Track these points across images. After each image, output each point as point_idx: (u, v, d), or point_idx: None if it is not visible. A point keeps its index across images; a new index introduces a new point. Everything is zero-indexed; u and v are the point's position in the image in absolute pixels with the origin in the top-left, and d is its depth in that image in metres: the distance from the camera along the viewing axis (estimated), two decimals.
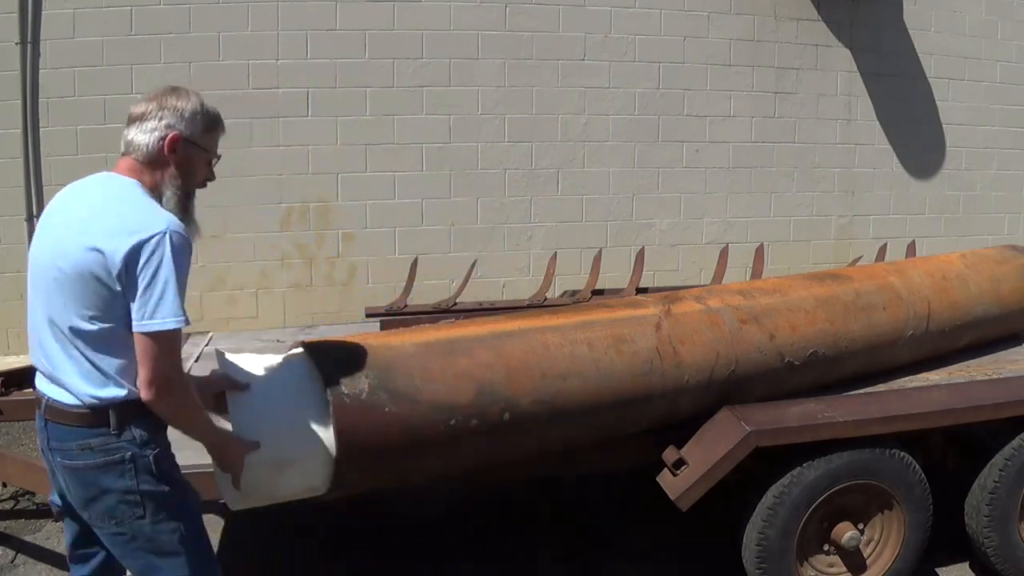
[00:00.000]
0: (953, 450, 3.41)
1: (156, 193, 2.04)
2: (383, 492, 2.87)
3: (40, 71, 5.40)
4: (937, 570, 3.49)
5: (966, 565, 3.55)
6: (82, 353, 1.96)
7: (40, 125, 5.45)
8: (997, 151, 6.96)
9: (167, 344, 1.91)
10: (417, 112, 5.81)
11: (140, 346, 1.90)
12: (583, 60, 6.01)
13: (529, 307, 4.38)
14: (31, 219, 5.47)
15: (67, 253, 1.94)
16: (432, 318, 4.03)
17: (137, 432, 2.00)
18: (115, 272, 1.88)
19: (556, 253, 5.24)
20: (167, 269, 1.88)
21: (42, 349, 2.06)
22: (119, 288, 1.89)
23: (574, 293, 5.02)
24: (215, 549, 3.66)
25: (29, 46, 5.34)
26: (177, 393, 1.96)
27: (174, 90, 2.10)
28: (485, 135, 5.93)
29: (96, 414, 1.98)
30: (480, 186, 5.97)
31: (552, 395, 2.69)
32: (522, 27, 5.88)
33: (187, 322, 1.93)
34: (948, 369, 3.75)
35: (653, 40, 6.10)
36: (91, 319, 1.93)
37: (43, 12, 5.35)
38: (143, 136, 2.03)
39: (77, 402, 1.99)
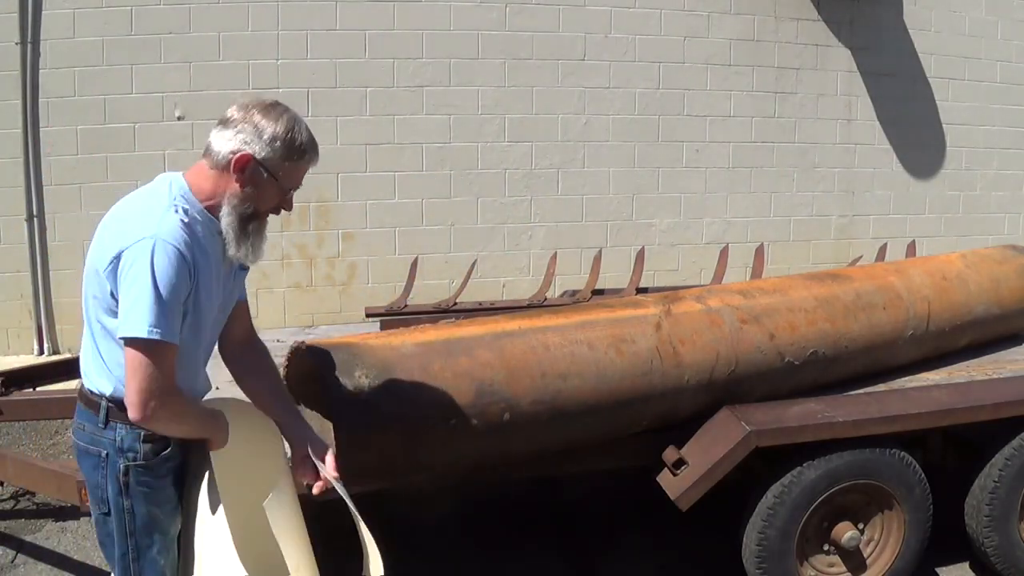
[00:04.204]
0: (953, 450, 3.41)
1: (214, 204, 1.95)
2: (383, 492, 2.87)
3: (40, 71, 5.40)
4: (937, 570, 3.49)
5: (966, 565, 3.55)
6: (96, 341, 1.99)
7: (40, 125, 5.45)
8: (997, 151, 6.96)
9: (144, 357, 1.81)
10: (417, 112, 5.81)
11: (125, 358, 1.84)
12: (583, 60, 6.01)
13: (529, 307, 4.37)
14: (31, 219, 5.47)
15: (97, 247, 1.96)
16: (432, 318, 4.03)
17: (120, 434, 2.00)
18: (107, 274, 1.88)
19: (556, 253, 5.24)
20: (142, 277, 1.80)
21: (83, 330, 2.09)
22: (112, 289, 1.89)
23: (574, 293, 5.02)
24: None
25: (29, 46, 5.34)
26: (161, 415, 1.87)
27: (267, 106, 1.95)
28: (485, 135, 5.93)
29: (93, 400, 2.02)
30: (480, 186, 5.97)
31: (552, 395, 2.69)
32: (522, 27, 5.88)
33: (162, 336, 1.80)
34: (948, 369, 3.75)
35: (653, 40, 6.10)
36: (104, 311, 1.94)
37: (43, 12, 5.35)
38: (218, 143, 1.93)
39: (84, 383, 2.06)
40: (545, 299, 4.73)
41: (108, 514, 2.05)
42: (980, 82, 6.82)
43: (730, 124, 6.33)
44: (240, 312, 2.21)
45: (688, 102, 6.23)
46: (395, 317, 4.39)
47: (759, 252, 5.15)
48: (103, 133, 5.47)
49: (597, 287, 4.89)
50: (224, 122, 1.95)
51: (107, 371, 1.97)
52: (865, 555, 3.15)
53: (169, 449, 2.05)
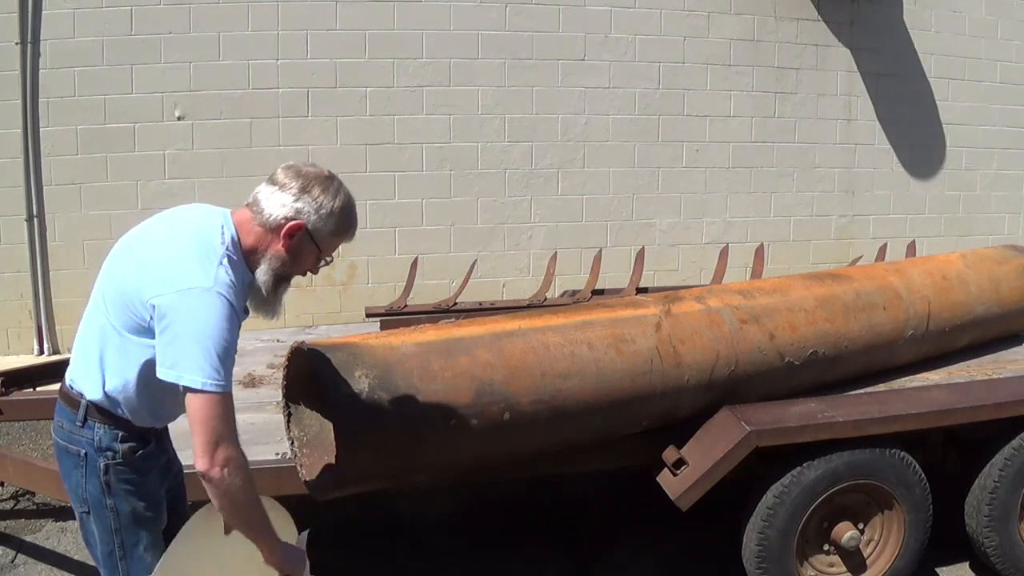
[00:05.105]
0: (953, 450, 3.41)
1: (253, 257, 1.99)
2: (383, 492, 2.87)
3: (40, 71, 5.40)
4: (937, 570, 3.49)
5: (966, 565, 3.55)
6: (102, 346, 1.98)
7: (40, 125, 5.45)
8: (997, 151, 6.96)
9: (206, 409, 1.80)
10: (417, 112, 5.81)
11: (188, 412, 1.83)
12: (583, 60, 6.01)
13: (529, 307, 4.38)
14: (31, 219, 5.48)
15: (131, 269, 1.94)
16: (432, 318, 4.03)
17: (98, 433, 2.01)
18: (147, 306, 1.87)
19: (556, 253, 5.24)
20: (197, 328, 1.81)
21: (80, 328, 2.07)
22: (149, 322, 1.88)
23: (574, 293, 5.02)
24: None
25: (29, 46, 5.34)
26: (230, 467, 1.81)
27: (325, 179, 2.00)
28: (485, 135, 5.93)
29: (73, 398, 2.03)
30: (480, 186, 5.97)
31: (552, 395, 2.69)
32: (522, 27, 5.88)
33: (223, 388, 1.81)
34: (948, 369, 3.75)
35: (653, 40, 6.10)
36: (131, 330, 1.93)
37: (43, 12, 5.35)
38: (271, 205, 1.96)
39: (67, 381, 2.07)
40: (545, 299, 4.73)
41: (88, 513, 2.06)
42: (980, 82, 6.82)
43: (730, 124, 6.33)
44: None
45: (688, 102, 6.23)
46: (395, 317, 4.39)
47: (759, 252, 5.15)
48: (103, 133, 5.47)
49: (597, 287, 4.89)
50: (280, 185, 1.98)
51: (100, 376, 1.98)
52: (865, 555, 3.15)
53: (150, 445, 2.07)
